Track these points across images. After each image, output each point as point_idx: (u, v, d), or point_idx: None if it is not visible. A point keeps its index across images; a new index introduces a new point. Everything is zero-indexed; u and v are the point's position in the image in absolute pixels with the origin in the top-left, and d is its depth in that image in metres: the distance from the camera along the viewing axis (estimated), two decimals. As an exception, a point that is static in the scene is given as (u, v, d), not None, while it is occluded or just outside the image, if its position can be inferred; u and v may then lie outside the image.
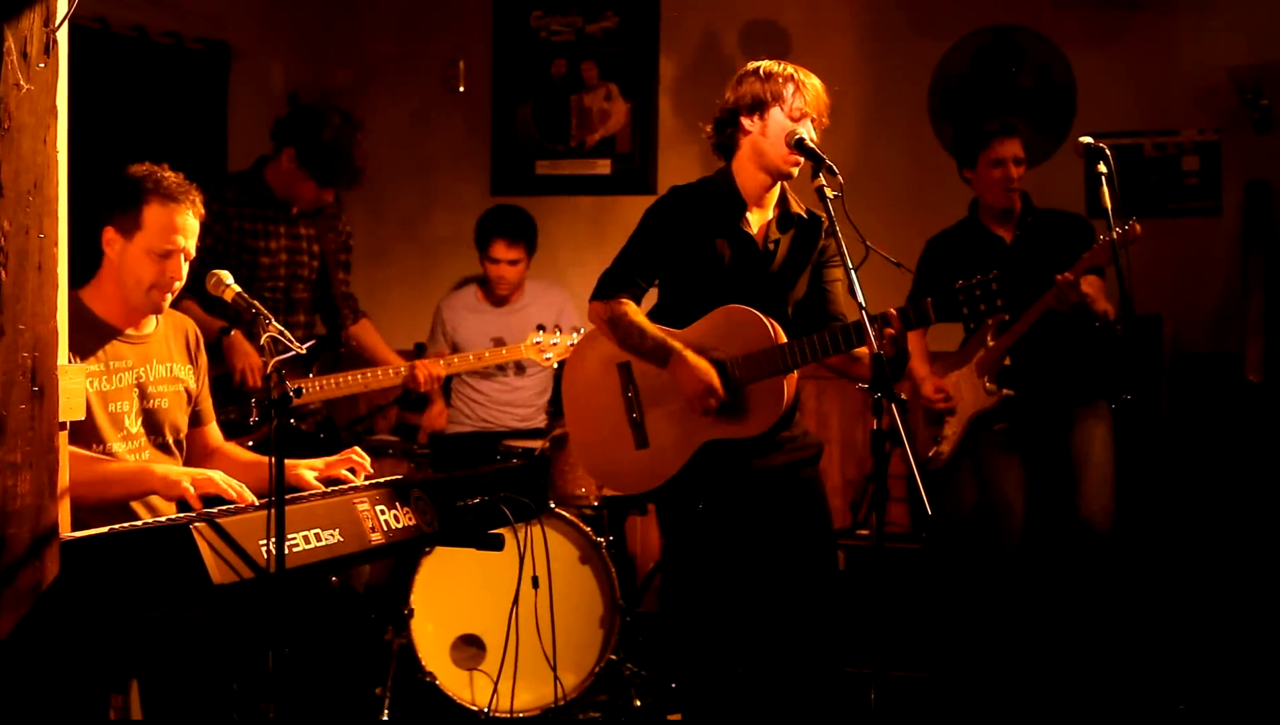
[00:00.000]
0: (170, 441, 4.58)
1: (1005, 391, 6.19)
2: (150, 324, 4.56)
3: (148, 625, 3.52)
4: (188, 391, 4.67)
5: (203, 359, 4.77)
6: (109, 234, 4.40)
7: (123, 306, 4.46)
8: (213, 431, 4.82)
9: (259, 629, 3.79)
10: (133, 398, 4.45)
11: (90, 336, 4.38)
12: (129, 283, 4.39)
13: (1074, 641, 6.43)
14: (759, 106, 4.82)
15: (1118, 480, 6.15)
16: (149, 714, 4.31)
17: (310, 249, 6.39)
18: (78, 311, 4.33)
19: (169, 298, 4.47)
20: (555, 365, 6.52)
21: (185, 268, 4.44)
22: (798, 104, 4.76)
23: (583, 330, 6.33)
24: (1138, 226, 5.52)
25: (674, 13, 8.11)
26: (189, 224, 4.43)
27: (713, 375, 4.70)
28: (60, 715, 3.43)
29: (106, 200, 4.42)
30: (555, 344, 6.40)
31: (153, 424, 4.52)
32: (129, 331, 4.49)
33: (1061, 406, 6.25)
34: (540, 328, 6.45)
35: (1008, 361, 6.16)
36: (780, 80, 4.81)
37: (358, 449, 4.61)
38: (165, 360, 4.59)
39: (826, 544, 4.98)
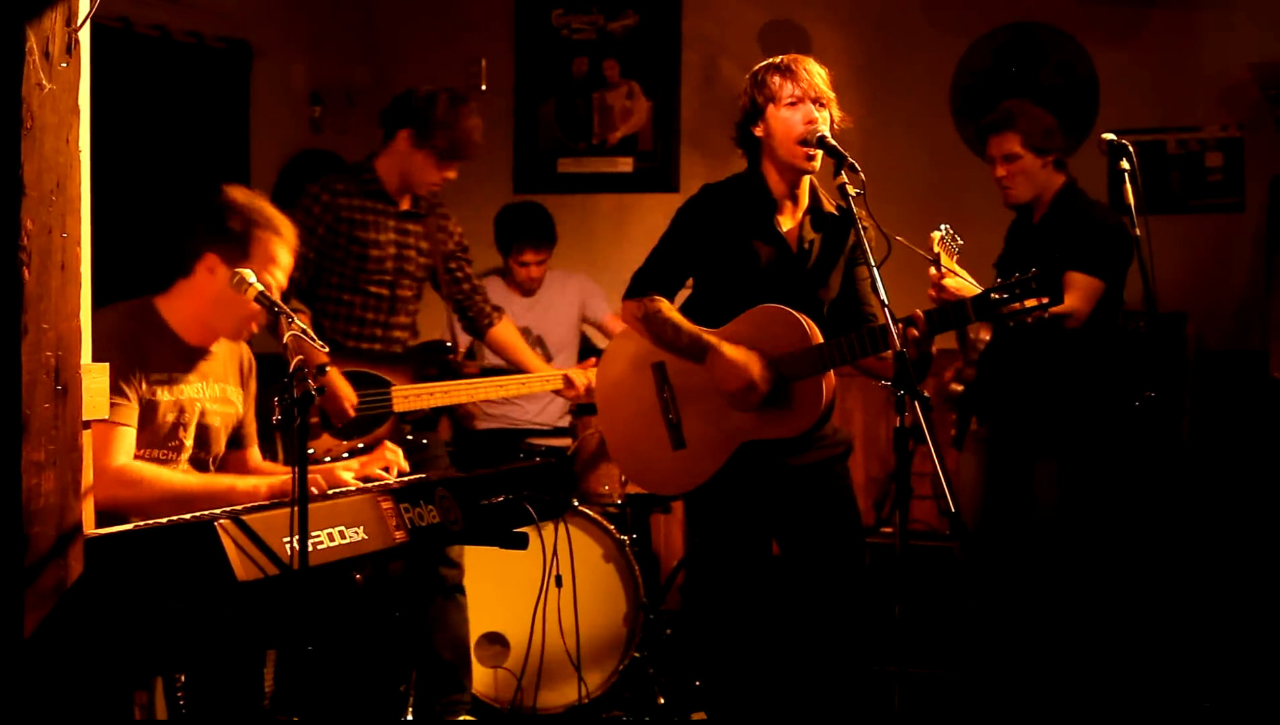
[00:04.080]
0: (210, 459, 4.61)
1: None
2: (215, 344, 4.61)
3: (172, 623, 3.52)
4: (236, 414, 4.71)
5: (252, 386, 4.80)
6: (211, 260, 4.42)
7: (198, 325, 4.50)
8: (253, 454, 4.85)
9: (284, 626, 3.80)
10: (193, 410, 4.49)
11: (159, 346, 4.43)
12: (224, 313, 4.42)
13: (1100, 638, 6.41)
14: (758, 113, 4.82)
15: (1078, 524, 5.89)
16: (173, 712, 4.33)
17: (419, 246, 6.13)
18: (152, 319, 4.43)
19: (256, 331, 4.54)
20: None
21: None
22: (788, 91, 4.74)
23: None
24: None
25: (695, 11, 8.11)
26: (287, 260, 4.52)
27: (754, 368, 4.67)
28: (84, 713, 3.43)
29: (209, 225, 4.45)
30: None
31: (203, 441, 4.56)
32: (196, 347, 4.53)
33: (1023, 439, 5.90)
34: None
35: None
36: (768, 76, 4.80)
37: (389, 444, 4.62)
38: (221, 381, 4.63)
39: (855, 541, 4.97)
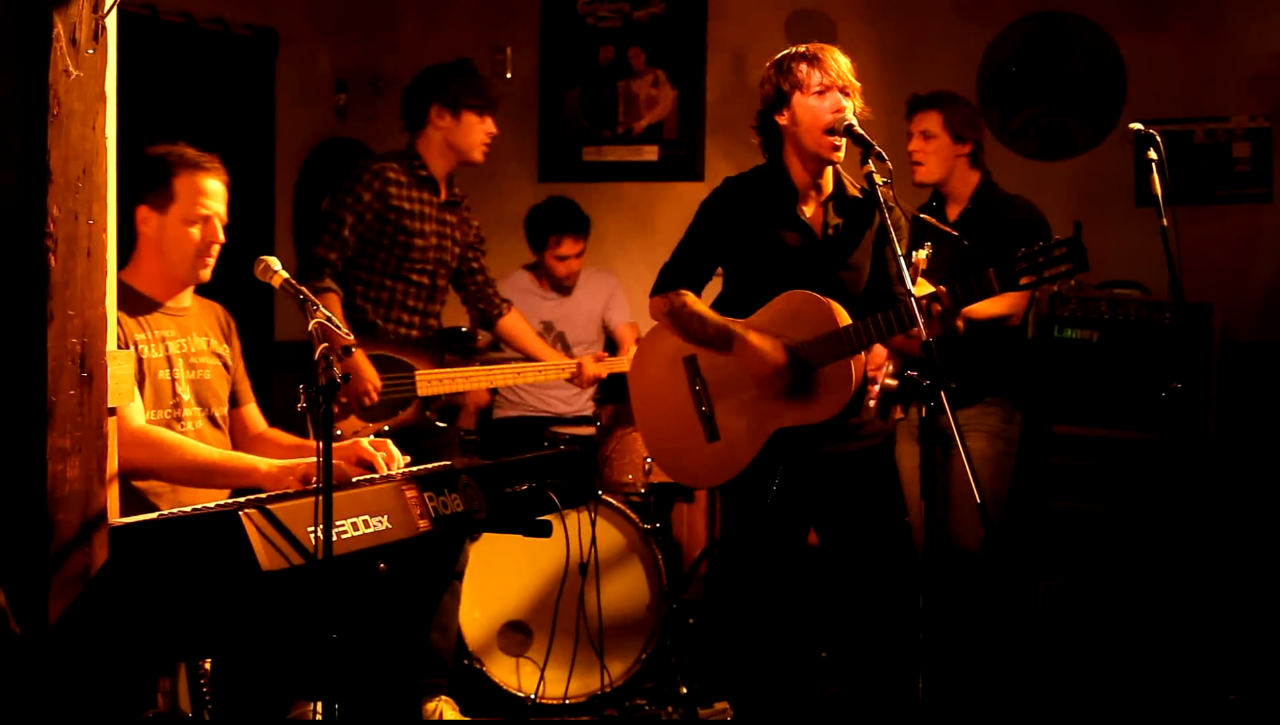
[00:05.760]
0: (217, 415, 4.68)
1: (908, 372, 6.09)
2: (186, 299, 4.69)
3: (196, 611, 3.52)
4: (225, 366, 4.77)
5: (236, 342, 4.87)
6: (143, 212, 4.55)
7: (162, 280, 4.60)
8: (251, 413, 4.90)
9: (308, 615, 3.80)
10: (180, 366, 4.57)
11: (133, 308, 4.51)
12: (173, 256, 4.54)
13: (1125, 630, 6.39)
14: (783, 100, 4.81)
15: (997, 495, 5.92)
16: (196, 699, 4.33)
17: (454, 235, 6.19)
18: (120, 291, 4.42)
19: (211, 263, 4.62)
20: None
21: (220, 231, 4.59)
22: (817, 79, 4.74)
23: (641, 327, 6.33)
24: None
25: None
26: (217, 189, 4.60)
27: (778, 353, 4.67)
28: (109, 700, 3.44)
29: (135, 181, 4.52)
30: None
31: (201, 396, 4.63)
32: (168, 304, 4.63)
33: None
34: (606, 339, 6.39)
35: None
36: (794, 64, 4.80)
37: (362, 442, 4.50)
38: (203, 334, 4.72)
39: (897, 532, 4.96)
